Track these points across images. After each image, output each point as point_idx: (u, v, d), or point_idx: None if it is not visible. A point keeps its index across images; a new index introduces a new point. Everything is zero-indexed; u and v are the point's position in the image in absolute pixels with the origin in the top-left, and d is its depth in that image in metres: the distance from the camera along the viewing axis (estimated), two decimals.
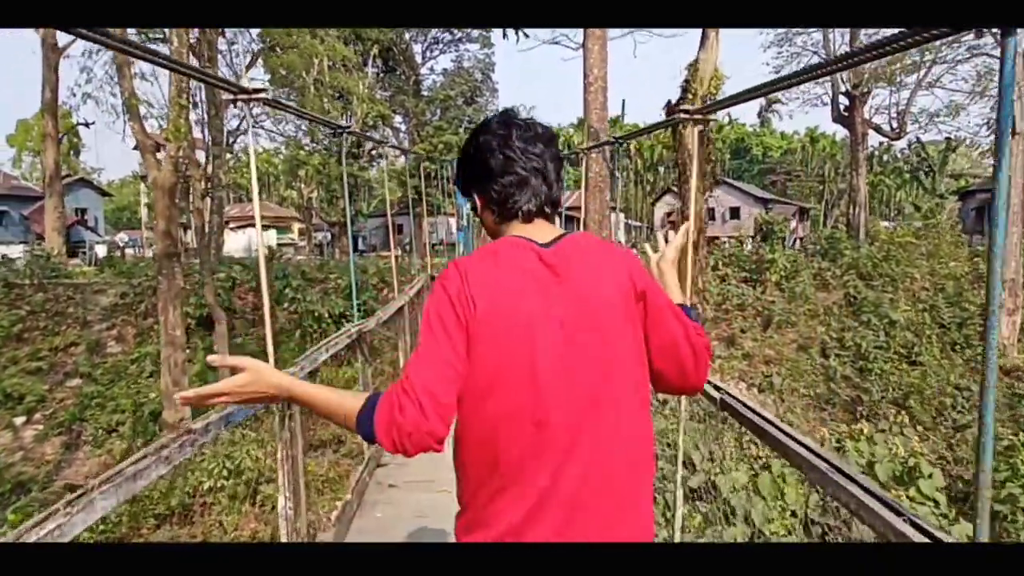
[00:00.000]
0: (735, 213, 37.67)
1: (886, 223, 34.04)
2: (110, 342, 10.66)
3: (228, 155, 17.93)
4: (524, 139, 1.13)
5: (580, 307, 1.04)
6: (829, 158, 64.01)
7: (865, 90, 31.08)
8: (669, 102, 9.35)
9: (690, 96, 8.80)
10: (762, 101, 63.58)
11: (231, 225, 36.20)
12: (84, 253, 26.69)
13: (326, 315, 8.97)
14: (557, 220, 1.20)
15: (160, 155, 7.53)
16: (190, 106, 7.25)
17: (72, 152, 35.72)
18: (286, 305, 9.48)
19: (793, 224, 36.82)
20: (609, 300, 1.05)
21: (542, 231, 1.13)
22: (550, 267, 1.05)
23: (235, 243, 33.46)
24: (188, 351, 9.63)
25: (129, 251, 34.74)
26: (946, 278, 13.35)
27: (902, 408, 9.73)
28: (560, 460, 0.99)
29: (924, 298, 13.19)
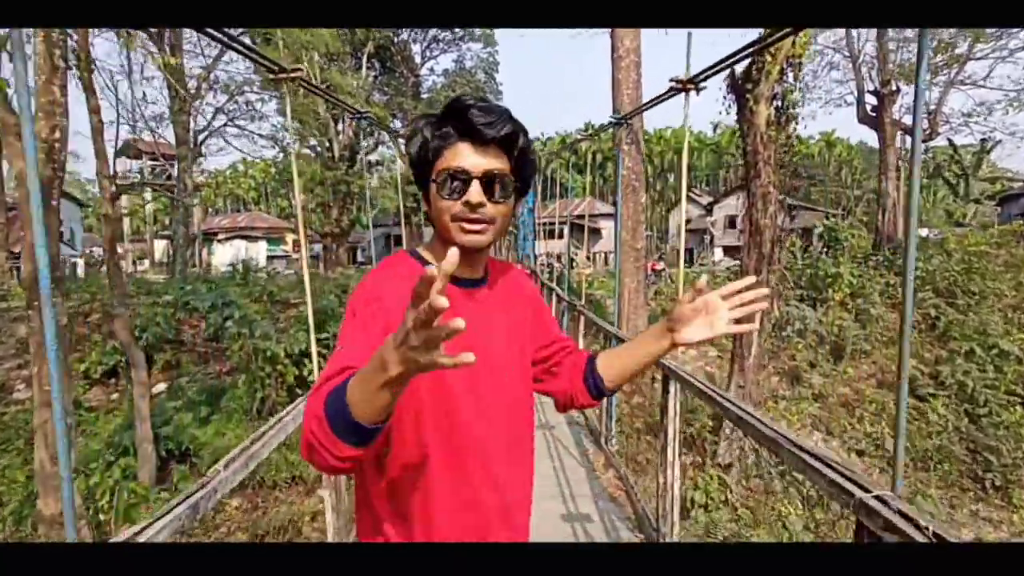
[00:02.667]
0: None
1: (923, 231, 31.57)
2: (19, 385, 8.47)
3: (199, 158, 15.82)
4: None
5: None
6: (846, 163, 61.83)
7: (894, 88, 29.02)
8: (733, 72, 7.22)
9: (769, 59, 6.61)
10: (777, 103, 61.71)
11: (220, 236, 34.20)
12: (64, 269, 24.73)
13: (282, 354, 6.77)
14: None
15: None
16: (70, 68, 5.02)
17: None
18: (240, 339, 7.32)
19: (819, 231, 34.50)
20: None
21: None
22: None
23: (223, 255, 31.38)
24: (92, 410, 7.45)
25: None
26: None
27: None
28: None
29: (1018, 319, 10.84)
